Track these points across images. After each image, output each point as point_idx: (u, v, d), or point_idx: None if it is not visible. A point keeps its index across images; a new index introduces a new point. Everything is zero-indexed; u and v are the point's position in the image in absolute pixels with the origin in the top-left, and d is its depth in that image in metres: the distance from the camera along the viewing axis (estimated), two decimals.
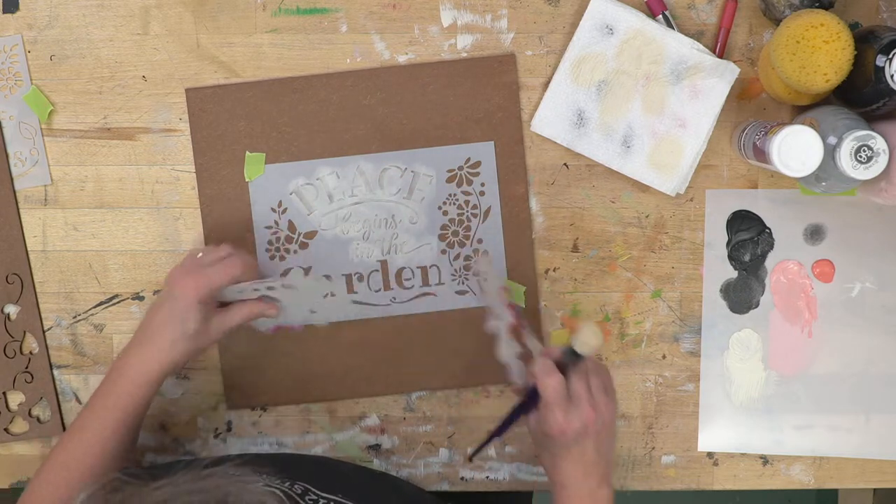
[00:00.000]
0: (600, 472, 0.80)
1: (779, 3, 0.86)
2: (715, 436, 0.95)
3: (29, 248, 0.95)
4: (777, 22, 0.88)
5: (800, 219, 0.93)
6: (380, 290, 0.94)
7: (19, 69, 0.93)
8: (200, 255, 0.87)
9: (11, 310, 0.95)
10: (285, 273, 0.94)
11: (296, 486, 0.75)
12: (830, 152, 0.79)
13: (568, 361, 0.78)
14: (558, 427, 0.78)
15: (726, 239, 0.94)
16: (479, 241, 0.94)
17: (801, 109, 0.90)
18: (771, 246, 0.94)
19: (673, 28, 0.91)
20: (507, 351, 0.85)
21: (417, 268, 0.94)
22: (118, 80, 0.93)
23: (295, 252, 0.94)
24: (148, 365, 0.83)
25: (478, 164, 0.93)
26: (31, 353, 0.95)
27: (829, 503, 1.82)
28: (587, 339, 0.77)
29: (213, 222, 0.94)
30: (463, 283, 0.94)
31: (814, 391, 0.95)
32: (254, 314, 0.88)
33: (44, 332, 0.95)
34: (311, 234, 0.94)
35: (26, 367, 0.95)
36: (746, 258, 0.94)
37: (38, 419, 0.96)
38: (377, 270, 0.94)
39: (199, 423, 0.96)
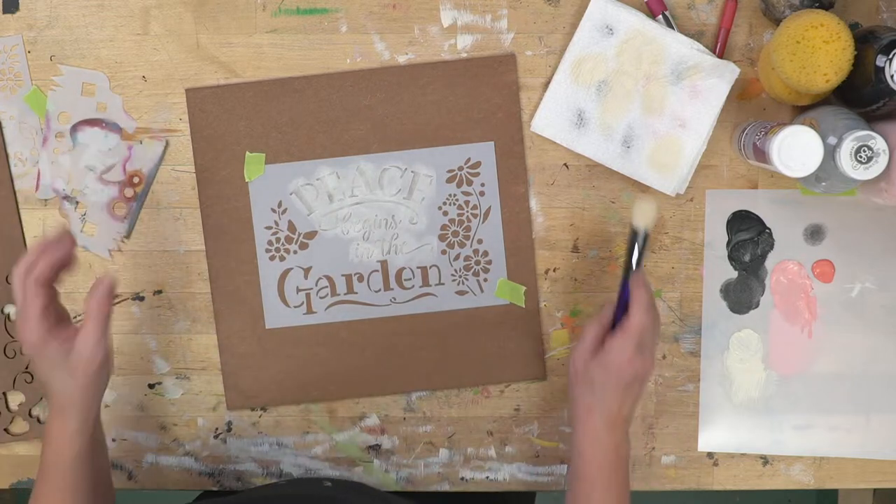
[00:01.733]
0: (629, 420, 0.82)
1: (779, 3, 0.86)
2: (715, 436, 0.95)
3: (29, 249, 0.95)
4: (777, 22, 0.88)
5: (800, 219, 0.93)
6: (380, 290, 0.94)
7: (19, 69, 0.93)
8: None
9: (11, 310, 0.95)
10: None
11: None
12: (830, 152, 0.79)
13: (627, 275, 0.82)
14: (627, 360, 0.79)
15: (726, 239, 0.94)
16: (479, 241, 0.94)
17: (801, 109, 0.90)
18: (771, 246, 0.94)
19: (673, 28, 0.91)
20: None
21: (417, 268, 0.94)
22: (118, 81, 0.93)
23: (295, 252, 0.94)
24: (64, 434, 0.79)
25: (478, 164, 0.93)
26: None
27: (829, 503, 1.82)
28: (645, 213, 0.82)
29: (213, 222, 0.94)
30: (463, 284, 0.94)
31: (814, 391, 0.95)
32: (102, 303, 0.77)
33: None
34: (311, 235, 0.94)
35: (26, 368, 0.95)
36: (746, 258, 0.94)
37: (38, 419, 0.96)
38: (377, 270, 0.94)
39: (199, 423, 0.96)
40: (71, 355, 0.76)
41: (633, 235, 0.83)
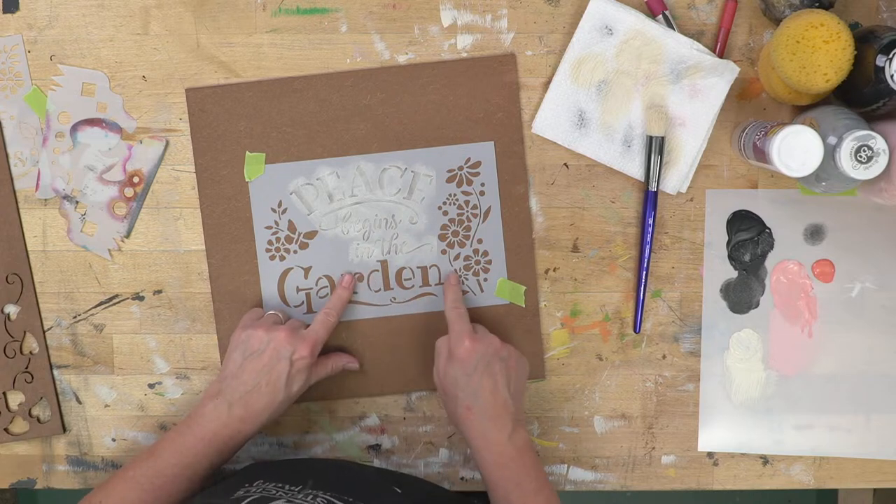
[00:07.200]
0: (510, 405, 0.83)
1: (779, 3, 0.86)
2: (715, 436, 0.95)
3: (29, 248, 0.95)
4: (777, 22, 0.88)
5: (800, 219, 0.94)
6: (380, 290, 0.94)
7: (19, 69, 0.93)
8: (273, 313, 0.90)
9: (11, 310, 0.95)
10: None
11: (318, 499, 0.74)
12: (830, 152, 0.79)
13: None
14: (466, 348, 0.83)
15: (726, 239, 0.94)
16: (479, 241, 0.94)
17: (801, 109, 0.90)
18: (771, 246, 0.94)
19: (673, 28, 0.91)
20: None
21: (417, 268, 0.94)
22: (118, 80, 0.93)
23: (295, 252, 0.94)
24: (229, 427, 0.84)
25: (478, 164, 0.93)
26: (31, 353, 0.95)
27: (829, 503, 1.82)
28: (656, 123, 0.89)
29: (213, 222, 0.94)
30: (463, 283, 0.94)
31: (814, 391, 0.95)
32: (339, 367, 0.92)
33: (44, 332, 0.95)
34: (311, 234, 0.94)
35: (26, 367, 0.95)
36: (746, 258, 0.94)
37: (38, 419, 0.96)
38: (377, 270, 0.94)
39: None
40: (305, 385, 0.87)
41: (650, 143, 0.90)
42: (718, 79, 0.90)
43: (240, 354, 0.86)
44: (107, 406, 0.96)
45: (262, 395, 0.84)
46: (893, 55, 0.77)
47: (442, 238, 0.94)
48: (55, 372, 0.96)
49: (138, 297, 0.95)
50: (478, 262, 0.94)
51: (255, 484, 0.77)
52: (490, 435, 0.82)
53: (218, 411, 0.84)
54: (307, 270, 0.94)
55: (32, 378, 0.95)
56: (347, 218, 0.94)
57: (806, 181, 0.84)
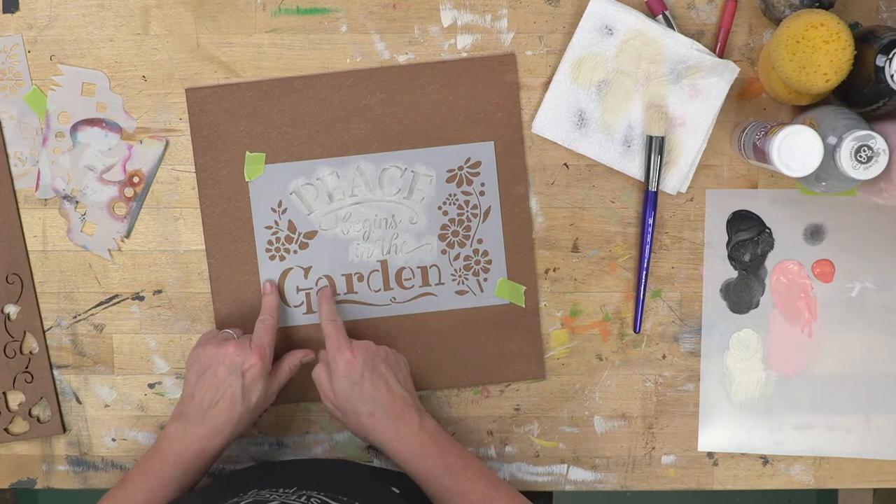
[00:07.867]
0: (408, 398, 0.86)
1: (779, 3, 0.86)
2: (715, 436, 0.95)
3: (29, 248, 0.95)
4: (777, 22, 0.88)
5: (800, 219, 0.94)
6: (380, 290, 0.94)
7: (19, 69, 0.93)
8: (227, 332, 0.90)
9: (11, 310, 0.95)
10: None
11: (312, 500, 0.74)
12: (830, 152, 0.79)
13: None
14: (347, 359, 0.85)
15: (726, 239, 0.94)
16: (479, 241, 0.94)
17: (801, 109, 0.90)
18: (771, 246, 0.94)
19: (673, 28, 0.91)
20: None
21: (417, 268, 0.94)
22: (118, 80, 0.93)
23: (295, 252, 0.94)
24: (193, 447, 0.84)
25: (478, 164, 0.93)
26: (31, 353, 0.95)
27: (829, 503, 1.82)
28: (656, 123, 0.89)
29: (213, 222, 0.94)
30: (463, 283, 0.94)
31: (814, 391, 0.95)
32: (295, 365, 0.91)
33: (44, 332, 0.95)
34: (311, 234, 0.94)
35: (26, 367, 0.95)
36: (746, 258, 0.94)
37: (38, 419, 0.96)
38: (377, 270, 0.94)
39: None
40: (268, 386, 0.87)
41: (650, 143, 0.90)
42: (718, 79, 0.90)
43: (194, 374, 0.87)
44: (107, 406, 0.96)
45: (221, 411, 0.84)
46: (893, 55, 0.77)
47: (442, 238, 0.94)
48: (55, 372, 0.96)
49: (138, 297, 0.95)
50: (478, 262, 0.94)
51: (248, 493, 0.77)
52: (402, 430, 0.84)
53: (179, 432, 0.85)
54: (307, 270, 0.94)
55: (32, 378, 0.95)
56: (347, 218, 0.94)
57: (806, 181, 0.84)
